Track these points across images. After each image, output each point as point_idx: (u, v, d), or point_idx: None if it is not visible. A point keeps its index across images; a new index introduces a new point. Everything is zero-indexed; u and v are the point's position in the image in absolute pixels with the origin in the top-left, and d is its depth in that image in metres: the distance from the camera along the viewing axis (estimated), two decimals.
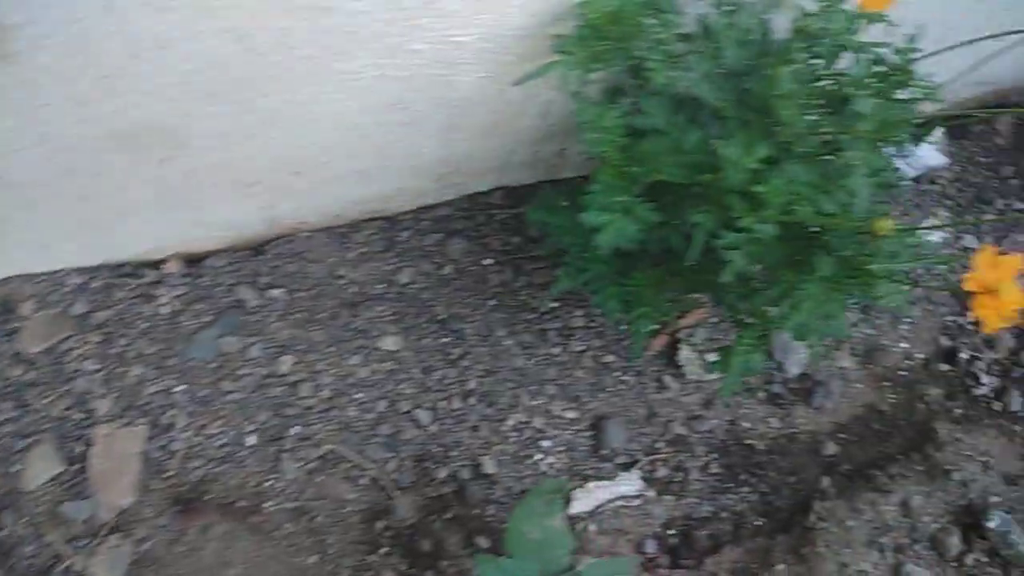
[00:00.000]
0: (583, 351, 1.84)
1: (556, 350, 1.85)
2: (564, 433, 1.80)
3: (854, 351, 1.98)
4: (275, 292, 1.73)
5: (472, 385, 1.78)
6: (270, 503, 1.66)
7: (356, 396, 1.73)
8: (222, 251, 1.76)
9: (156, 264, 1.71)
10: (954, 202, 2.13)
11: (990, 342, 2.04)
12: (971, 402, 1.98)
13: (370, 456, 1.70)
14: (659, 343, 1.89)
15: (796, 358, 1.92)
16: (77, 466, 1.62)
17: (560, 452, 1.80)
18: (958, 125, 2.18)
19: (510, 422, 1.78)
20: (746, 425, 1.90)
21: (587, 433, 1.82)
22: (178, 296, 1.70)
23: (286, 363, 1.72)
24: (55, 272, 1.66)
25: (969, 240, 2.11)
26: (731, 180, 1.14)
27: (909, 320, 2.03)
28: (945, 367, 2.02)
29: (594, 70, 1.13)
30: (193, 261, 1.74)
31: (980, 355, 2.03)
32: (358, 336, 1.75)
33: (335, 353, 1.73)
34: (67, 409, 1.63)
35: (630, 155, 1.18)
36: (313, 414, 1.71)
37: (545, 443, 1.79)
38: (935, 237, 2.08)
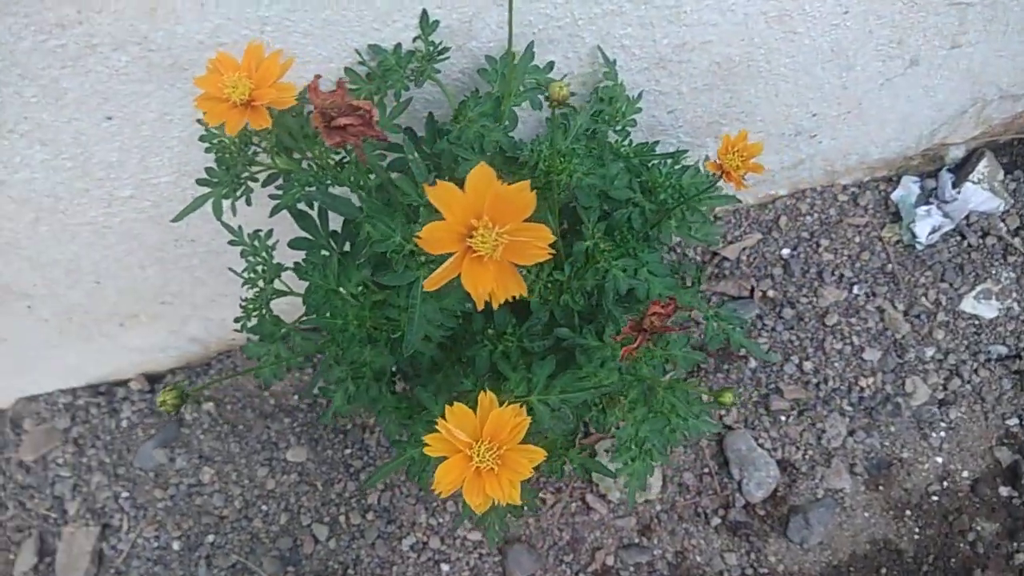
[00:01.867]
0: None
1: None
2: (468, 557, 1.46)
3: (854, 467, 1.35)
4: (207, 406, 1.66)
5: (372, 499, 1.52)
6: None
7: (263, 508, 1.56)
8: (179, 368, 1.73)
9: (125, 383, 1.74)
10: (1022, 258, 1.39)
11: None
12: None
13: (270, 569, 1.52)
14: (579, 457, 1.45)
15: (758, 476, 1.36)
16: (49, 559, 1.66)
17: None
18: (1023, 154, 1.45)
19: (408, 541, 1.48)
20: (697, 559, 1.38)
21: (494, 559, 1.44)
22: (136, 411, 1.71)
23: (207, 474, 1.62)
24: (50, 393, 1.75)
25: None
26: None
27: (946, 425, 1.34)
28: (1006, 491, 1.30)
29: (239, 195, 0.91)
30: (155, 379, 1.74)
31: None
32: (267, 448, 1.59)
33: (246, 465, 1.59)
34: (48, 509, 1.70)
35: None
36: (227, 524, 1.58)
37: (445, 567, 1.46)
38: (988, 309, 1.37)
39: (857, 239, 1.49)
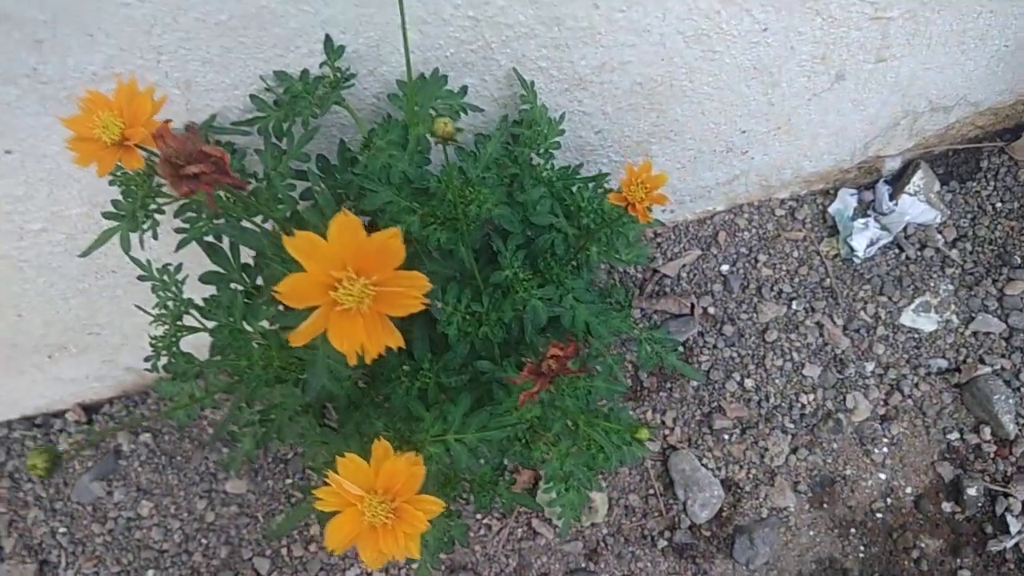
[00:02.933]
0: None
1: None
2: None
3: (798, 486, 1.32)
4: (144, 437, 1.60)
5: (315, 530, 1.46)
6: None
7: (203, 541, 1.51)
8: (116, 398, 1.67)
9: (61, 414, 1.67)
10: (960, 269, 1.37)
11: None
12: (988, 561, 1.23)
13: None
14: (523, 478, 1.42)
15: (702, 497, 1.33)
16: None
17: None
18: (958, 164, 1.43)
19: (352, 573, 1.43)
20: None
21: None
22: (73, 444, 1.64)
23: (145, 507, 1.56)
24: None
25: (985, 321, 1.34)
26: None
27: (888, 440, 1.32)
28: (949, 507, 1.28)
29: (146, 228, 0.87)
30: (92, 409, 1.67)
31: (1009, 488, 1.25)
32: (206, 479, 1.54)
33: (185, 497, 1.54)
34: None
35: None
36: (167, 558, 1.52)
37: None
38: (928, 322, 1.35)
39: (795, 254, 1.47)
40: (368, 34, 0.93)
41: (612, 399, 1.17)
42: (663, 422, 1.43)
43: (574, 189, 1.04)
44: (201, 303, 0.92)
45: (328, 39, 0.92)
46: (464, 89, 0.99)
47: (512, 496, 1.01)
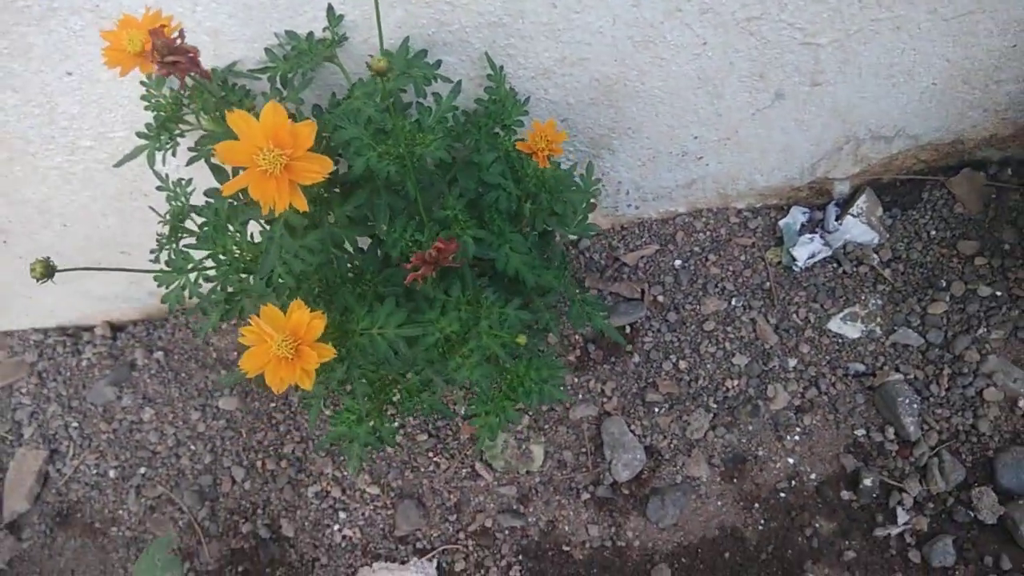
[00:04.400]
0: (398, 427, 1.61)
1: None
2: (364, 508, 1.58)
3: (712, 459, 1.46)
4: (157, 354, 1.81)
5: (288, 449, 1.65)
6: (115, 529, 1.69)
7: (191, 447, 1.71)
8: (140, 320, 1.89)
9: (90, 328, 1.90)
10: (890, 287, 1.51)
11: (925, 468, 1.37)
12: (873, 546, 1.35)
13: (189, 503, 1.65)
14: (470, 428, 1.58)
15: (626, 458, 1.47)
16: (0, 475, 1.80)
17: (356, 526, 1.57)
18: (902, 193, 1.57)
19: (314, 489, 1.61)
20: (565, 529, 1.49)
21: (387, 511, 1.56)
22: (96, 353, 1.87)
23: (148, 413, 1.77)
24: (24, 331, 1.91)
25: (905, 334, 1.46)
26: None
27: (800, 430, 1.45)
28: (847, 495, 1.40)
29: (168, 147, 1.08)
30: (118, 328, 1.90)
31: (904, 485, 1.37)
32: (203, 395, 1.74)
33: (183, 408, 1.74)
34: (7, 432, 1.84)
35: None
36: (158, 459, 1.73)
37: (343, 515, 1.58)
38: (853, 330, 1.48)
39: (743, 257, 1.61)
40: (364, 7, 1.12)
41: (539, 345, 1.34)
42: (603, 391, 1.58)
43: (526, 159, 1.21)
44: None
45: (330, 8, 1.12)
46: (438, 62, 1.18)
47: (432, 402, 1.18)
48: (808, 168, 1.54)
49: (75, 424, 1.84)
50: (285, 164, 0.70)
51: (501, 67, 1.23)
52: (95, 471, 1.78)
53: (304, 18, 1.14)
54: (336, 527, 1.61)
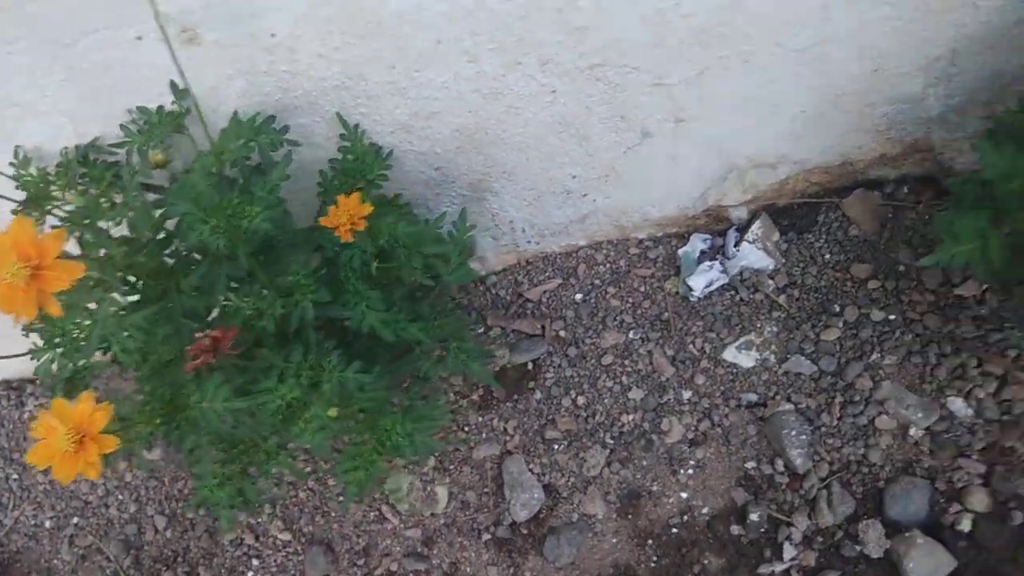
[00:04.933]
0: (309, 472, 1.64)
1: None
2: (276, 555, 1.61)
3: (608, 496, 1.46)
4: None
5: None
6: None
7: (119, 497, 1.75)
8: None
9: (33, 381, 1.95)
10: (785, 314, 1.50)
11: (814, 501, 1.37)
12: None
13: (116, 551, 1.70)
14: (387, 467, 1.60)
15: (524, 498, 1.48)
16: None
17: (269, 573, 1.60)
18: (799, 216, 1.56)
19: (229, 536, 1.64)
20: (467, 571, 1.51)
21: (298, 557, 1.59)
22: (38, 405, 1.91)
23: None
24: None
25: (797, 362, 1.46)
26: None
27: (694, 463, 1.45)
28: (736, 529, 1.40)
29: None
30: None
31: (792, 519, 1.37)
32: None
33: (112, 460, 1.78)
34: None
35: None
36: (89, 509, 1.77)
37: (256, 562, 1.62)
38: (747, 359, 1.48)
39: (642, 288, 1.61)
40: (206, 82, 1.15)
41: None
42: (505, 429, 1.59)
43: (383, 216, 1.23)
44: None
45: (173, 83, 1.15)
46: (285, 128, 1.19)
47: (287, 463, 1.20)
48: (698, 197, 1.54)
49: (15, 476, 1.89)
50: (31, 275, 0.73)
51: (356, 125, 1.24)
52: (33, 522, 1.83)
53: (153, 92, 1.17)
54: (250, 574, 1.63)
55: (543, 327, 1.63)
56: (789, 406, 1.45)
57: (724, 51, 1.19)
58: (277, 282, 1.12)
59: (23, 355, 1.13)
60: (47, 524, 1.82)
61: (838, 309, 1.49)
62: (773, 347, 1.51)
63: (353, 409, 1.24)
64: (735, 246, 1.59)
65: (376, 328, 1.18)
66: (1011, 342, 1.36)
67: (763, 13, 1.12)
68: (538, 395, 1.59)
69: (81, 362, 1.10)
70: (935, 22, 1.15)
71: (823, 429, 1.43)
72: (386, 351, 1.30)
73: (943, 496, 1.36)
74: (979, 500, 1.34)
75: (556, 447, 1.55)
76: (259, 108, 1.20)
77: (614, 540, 1.47)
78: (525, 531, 1.52)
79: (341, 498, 1.59)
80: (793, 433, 1.42)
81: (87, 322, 1.08)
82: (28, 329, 1.20)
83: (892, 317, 1.45)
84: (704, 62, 1.20)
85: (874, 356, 1.44)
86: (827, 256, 1.53)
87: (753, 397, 1.49)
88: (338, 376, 1.10)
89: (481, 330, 1.66)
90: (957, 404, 1.39)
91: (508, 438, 1.58)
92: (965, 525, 1.33)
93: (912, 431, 1.40)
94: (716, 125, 1.34)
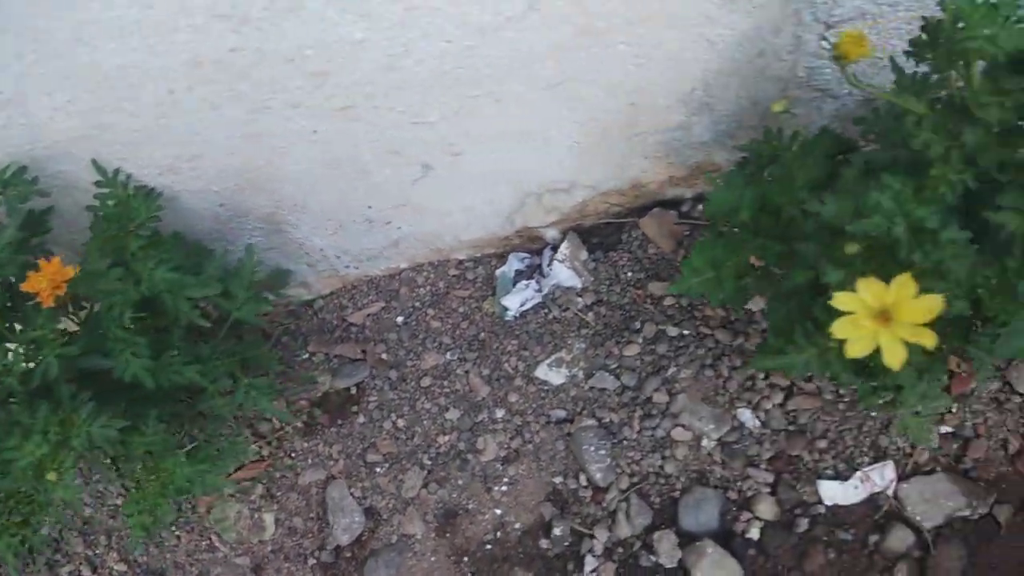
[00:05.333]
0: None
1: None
2: None
3: (426, 516, 1.49)
4: None
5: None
6: None
7: None
8: None
9: None
10: (592, 331, 1.52)
11: (615, 514, 1.40)
12: None
13: None
14: (206, 500, 1.61)
15: (345, 522, 1.50)
16: None
17: None
18: (606, 235, 1.58)
19: (67, 569, 1.64)
20: None
21: None
22: None
23: None
24: None
25: (602, 378, 1.49)
26: None
27: (507, 480, 1.48)
28: (544, 543, 1.43)
29: None
30: None
31: (593, 531, 1.40)
32: None
33: None
34: None
35: None
36: None
37: None
38: (557, 376, 1.50)
39: (461, 309, 1.62)
40: None
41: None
42: (330, 454, 1.60)
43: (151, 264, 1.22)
44: None
45: None
46: (35, 179, 1.18)
47: (57, 514, 1.21)
48: (504, 220, 1.55)
49: None
50: None
51: (116, 170, 1.23)
52: None
53: None
54: None
55: (365, 351, 1.64)
56: (592, 421, 1.49)
57: (473, 91, 1.19)
58: (25, 336, 1.11)
59: None
60: None
61: (638, 326, 1.52)
62: (581, 364, 1.54)
63: (139, 452, 1.26)
64: (548, 265, 1.61)
65: (140, 375, 1.19)
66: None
67: (498, 56, 1.13)
68: (361, 419, 1.61)
69: None
70: (676, 59, 1.17)
71: (625, 443, 1.47)
72: (167, 395, 1.30)
73: (734, 505, 1.41)
74: (767, 508, 1.38)
75: (378, 470, 1.57)
76: (11, 159, 1.18)
77: (432, 559, 1.50)
78: (348, 555, 1.54)
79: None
80: (592, 449, 1.45)
81: None
82: None
83: (687, 332, 1.49)
84: (457, 102, 1.21)
85: (671, 370, 1.47)
86: (629, 274, 1.56)
87: (562, 413, 1.52)
88: (86, 430, 1.10)
89: (306, 355, 1.67)
90: (747, 415, 1.42)
91: (333, 463, 1.60)
92: (754, 533, 1.38)
93: (705, 442, 1.44)
94: (494, 157, 1.35)
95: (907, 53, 0.90)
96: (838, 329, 0.77)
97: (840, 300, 0.76)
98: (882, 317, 0.75)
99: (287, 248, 1.53)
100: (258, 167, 1.29)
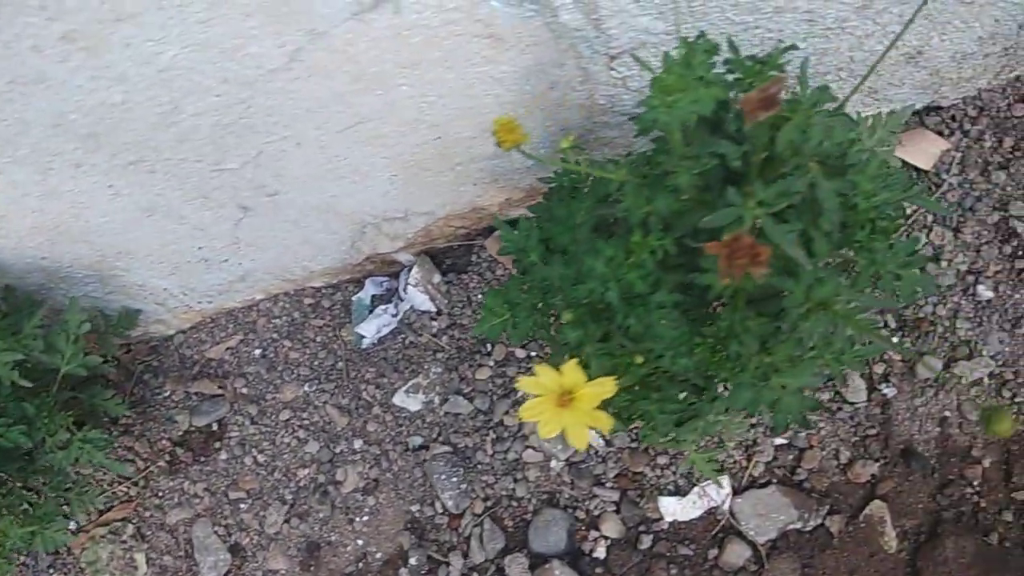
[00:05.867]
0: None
1: None
2: None
3: (290, 550, 1.50)
4: None
5: None
6: None
7: None
8: None
9: None
10: (447, 355, 1.52)
11: (469, 539, 1.41)
12: None
13: None
14: (79, 543, 1.61)
15: (211, 561, 1.51)
16: None
17: None
18: (458, 257, 1.57)
19: None
20: None
21: None
22: None
23: None
24: None
25: (456, 403, 1.49)
26: None
27: (368, 510, 1.48)
28: (404, 572, 1.45)
29: None
30: None
31: (448, 558, 1.42)
32: None
33: None
34: None
35: None
36: None
37: None
38: (414, 403, 1.50)
39: (318, 339, 1.61)
40: None
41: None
42: (195, 492, 1.60)
43: None
44: None
45: None
46: None
47: None
48: (350, 249, 1.53)
49: None
50: None
51: None
52: None
53: None
54: None
55: (224, 387, 1.63)
56: (447, 448, 1.49)
57: (268, 138, 1.17)
58: None
59: None
60: None
61: (489, 348, 1.52)
62: (437, 389, 1.54)
63: None
64: (404, 289, 1.60)
65: None
66: None
67: (278, 105, 1.10)
68: (224, 456, 1.61)
69: None
70: (467, 95, 1.15)
71: (479, 467, 1.48)
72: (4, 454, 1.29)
73: (583, 524, 1.42)
74: (612, 526, 1.40)
75: (242, 506, 1.57)
76: None
77: None
78: None
79: None
80: (444, 477, 1.46)
81: None
82: None
83: (534, 354, 1.49)
84: (254, 148, 1.18)
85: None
86: (479, 296, 1.55)
87: (419, 440, 1.52)
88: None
89: (167, 394, 1.66)
90: (592, 434, 1.43)
91: (198, 501, 1.60)
92: (600, 552, 1.40)
93: (554, 463, 1.45)
94: (314, 194, 1.33)
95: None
96: (525, 412, 0.77)
97: (524, 384, 0.76)
98: (564, 399, 0.75)
99: (129, 290, 1.51)
100: (67, 221, 1.26)
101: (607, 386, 0.75)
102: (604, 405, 0.75)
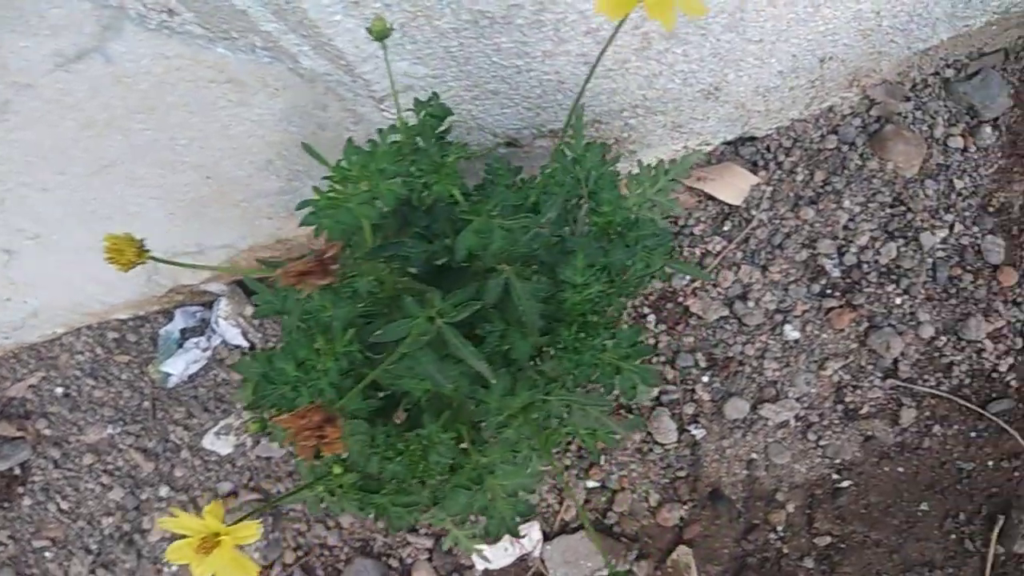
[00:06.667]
0: None
1: None
2: None
3: None
4: None
5: None
6: None
7: None
8: None
9: None
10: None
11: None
12: None
13: None
14: None
15: None
16: None
17: None
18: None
19: None
20: None
21: None
22: None
23: None
24: None
25: (267, 447, 1.41)
26: None
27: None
28: None
29: None
30: None
31: None
32: None
33: None
34: None
35: None
36: None
37: None
38: (225, 445, 1.42)
39: (123, 376, 1.52)
40: None
41: None
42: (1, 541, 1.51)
43: None
44: None
45: None
46: None
47: None
48: (148, 281, 1.44)
49: None
50: None
51: None
52: None
53: None
54: None
55: (25, 428, 1.53)
56: (257, 495, 1.43)
57: (7, 184, 1.07)
58: None
59: None
60: None
61: None
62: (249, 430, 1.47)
63: None
64: (215, 322, 1.51)
65: None
66: None
67: (6, 155, 1.01)
68: (27, 501, 1.51)
69: None
70: (224, 136, 1.06)
71: (291, 514, 1.42)
72: None
73: (396, 573, 1.39)
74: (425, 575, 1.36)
75: (47, 555, 1.49)
76: None
77: None
78: None
79: None
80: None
81: None
82: None
83: None
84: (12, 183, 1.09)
85: None
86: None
87: (228, 486, 1.46)
88: None
89: None
90: None
91: (2, 548, 1.51)
92: None
93: None
94: (83, 233, 1.23)
95: None
96: (171, 554, 0.72)
97: (166, 523, 0.71)
98: (208, 543, 0.69)
99: None
100: None
101: (250, 530, 0.70)
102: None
